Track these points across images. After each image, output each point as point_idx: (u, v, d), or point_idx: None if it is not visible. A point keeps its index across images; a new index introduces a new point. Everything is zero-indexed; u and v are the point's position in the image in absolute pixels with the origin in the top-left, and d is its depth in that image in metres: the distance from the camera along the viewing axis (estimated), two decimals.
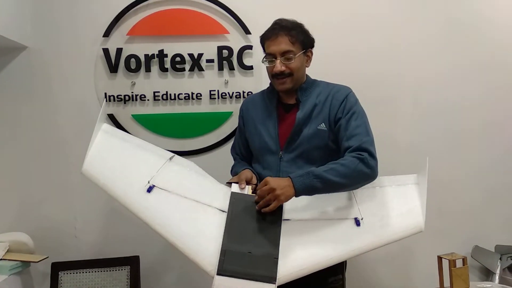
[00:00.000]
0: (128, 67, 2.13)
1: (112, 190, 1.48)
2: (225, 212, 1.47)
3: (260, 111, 1.69)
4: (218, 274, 1.30)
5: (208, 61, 2.15)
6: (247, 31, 2.14)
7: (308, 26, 1.62)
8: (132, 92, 2.14)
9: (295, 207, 1.48)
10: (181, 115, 2.16)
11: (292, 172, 1.47)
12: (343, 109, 1.56)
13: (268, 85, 1.72)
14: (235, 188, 1.55)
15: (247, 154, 1.79)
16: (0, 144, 2.11)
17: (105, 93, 2.13)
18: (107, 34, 2.11)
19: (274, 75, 1.59)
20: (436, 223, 2.08)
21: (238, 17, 2.14)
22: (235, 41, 2.16)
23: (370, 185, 1.52)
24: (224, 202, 1.50)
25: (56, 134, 2.13)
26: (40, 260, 1.92)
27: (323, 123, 1.58)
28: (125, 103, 2.15)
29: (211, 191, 1.57)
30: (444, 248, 1.95)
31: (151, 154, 1.66)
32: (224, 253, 1.34)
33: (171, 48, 2.13)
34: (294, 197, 1.41)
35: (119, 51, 2.12)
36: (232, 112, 2.16)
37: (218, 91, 2.17)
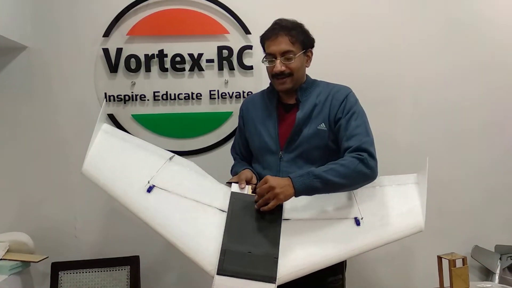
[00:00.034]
0: (128, 67, 2.13)
1: (112, 190, 1.48)
2: (225, 212, 1.47)
3: (260, 111, 1.69)
4: (218, 274, 1.30)
5: (208, 61, 2.15)
6: (247, 31, 2.14)
7: (308, 26, 1.62)
8: (132, 92, 2.14)
9: (295, 207, 1.48)
10: (181, 115, 2.16)
11: (292, 172, 1.47)
12: (343, 109, 1.57)
13: (268, 85, 1.72)
14: (235, 188, 1.55)
15: (247, 154, 1.79)
16: (0, 144, 2.11)
17: (105, 93, 2.13)
18: (107, 34, 2.11)
19: (274, 75, 1.59)
20: (436, 223, 2.08)
21: (238, 17, 2.14)
22: (235, 41, 2.16)
23: (370, 184, 1.52)
24: (224, 202, 1.50)
25: (56, 134, 2.13)
26: (40, 260, 1.92)
27: (323, 123, 1.58)
28: (125, 103, 2.15)
29: (211, 191, 1.57)
30: (444, 248, 1.95)
31: (151, 154, 1.66)
32: (224, 252, 1.34)
33: (171, 48, 2.13)
34: (294, 197, 1.41)
35: (119, 51, 2.12)
36: (232, 112, 2.17)
37: (218, 91, 2.17)
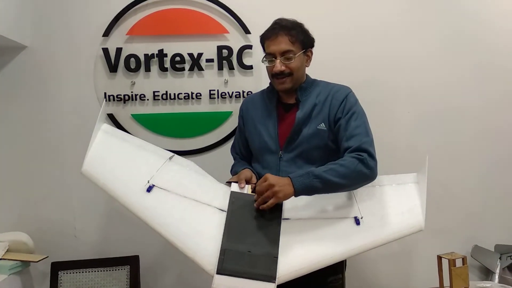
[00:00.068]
0: (127, 67, 2.13)
1: (112, 190, 1.48)
2: (225, 211, 1.47)
3: (260, 111, 1.69)
4: (217, 273, 1.30)
5: (207, 60, 2.15)
6: (246, 31, 2.14)
7: (307, 26, 1.62)
8: (131, 92, 2.14)
9: (295, 206, 1.48)
10: (180, 114, 2.16)
11: (292, 172, 1.47)
12: (342, 109, 1.56)
13: (267, 85, 1.72)
14: (234, 187, 1.55)
15: (247, 153, 1.79)
16: (0, 143, 2.11)
17: (105, 93, 2.13)
18: (106, 33, 2.11)
19: (274, 75, 1.59)
20: (436, 223, 2.07)
21: (237, 16, 2.14)
22: (234, 40, 2.16)
23: (370, 184, 1.52)
24: (223, 201, 1.50)
25: (55, 134, 2.13)
26: (40, 260, 1.92)
27: (322, 123, 1.58)
28: (124, 102, 2.15)
29: (211, 190, 1.57)
30: (444, 247, 1.95)
31: (151, 154, 1.66)
32: (224, 252, 1.34)
33: (171, 47, 2.13)
34: (293, 197, 1.41)
35: (118, 50, 2.12)
36: (231, 111, 2.16)
37: (217, 90, 2.17)
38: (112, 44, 2.12)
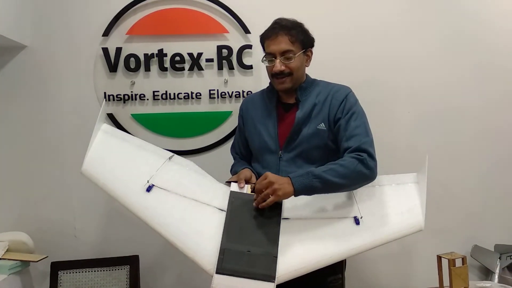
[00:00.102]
0: (127, 67, 2.13)
1: (112, 189, 1.48)
2: (224, 211, 1.47)
3: (260, 111, 1.69)
4: (217, 272, 1.30)
5: (207, 60, 2.15)
6: (246, 31, 2.14)
7: (307, 26, 1.62)
8: (131, 92, 2.14)
9: (295, 206, 1.48)
10: (180, 114, 2.16)
11: (292, 171, 1.47)
12: (342, 109, 1.56)
13: (267, 85, 1.72)
14: (234, 187, 1.55)
15: (246, 153, 1.79)
16: (0, 143, 2.11)
17: (105, 93, 2.13)
18: (106, 33, 2.11)
19: (273, 75, 1.59)
20: (435, 223, 2.06)
21: (237, 16, 2.14)
22: (234, 40, 2.16)
23: (370, 184, 1.52)
24: (223, 201, 1.50)
25: (55, 133, 2.13)
26: (40, 260, 1.92)
27: (322, 123, 1.58)
28: (124, 102, 2.15)
29: (210, 190, 1.57)
30: (444, 247, 1.95)
31: (150, 153, 1.66)
32: (223, 251, 1.34)
33: (171, 47, 2.13)
34: (293, 196, 1.41)
35: (118, 50, 2.12)
36: (231, 111, 2.16)
37: (217, 90, 2.17)
38: (112, 43, 2.12)
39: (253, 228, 1.41)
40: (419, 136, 2.23)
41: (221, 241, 1.37)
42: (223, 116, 2.18)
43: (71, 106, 2.13)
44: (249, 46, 2.15)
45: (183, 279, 2.17)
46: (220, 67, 2.15)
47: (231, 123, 2.16)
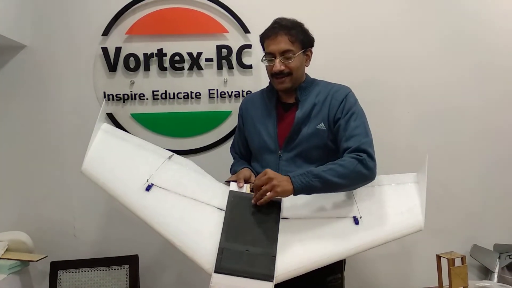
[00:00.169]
0: (127, 66, 2.13)
1: (111, 189, 1.48)
2: (223, 210, 1.47)
3: (260, 110, 1.69)
4: (215, 272, 1.30)
5: (207, 60, 2.15)
6: (246, 30, 2.14)
7: (307, 26, 1.62)
8: (131, 91, 2.14)
9: (294, 205, 1.48)
10: (180, 114, 2.16)
11: (291, 171, 1.47)
12: (342, 109, 1.56)
13: (267, 84, 1.72)
14: (233, 186, 1.55)
15: (246, 153, 1.79)
16: (0, 143, 2.11)
17: (104, 92, 2.13)
18: (106, 33, 2.11)
19: (273, 74, 1.59)
20: (435, 222, 2.06)
21: (237, 16, 2.14)
22: (234, 40, 2.16)
23: (369, 183, 1.52)
24: (222, 200, 1.50)
25: (55, 133, 2.13)
26: (39, 259, 1.92)
27: (322, 123, 1.58)
28: (124, 102, 2.15)
29: (210, 189, 1.57)
30: (443, 246, 1.95)
31: (150, 153, 1.66)
32: (222, 251, 1.34)
33: (170, 47, 2.13)
34: (292, 195, 1.41)
35: (118, 50, 2.12)
36: (231, 111, 2.16)
37: (217, 90, 2.16)
38: (111, 43, 2.12)
39: (252, 227, 1.41)
40: (419, 136, 2.23)
41: (220, 240, 1.36)
42: (223, 116, 2.18)
43: (71, 105, 2.13)
44: (249, 46, 2.15)
45: (183, 278, 2.17)
46: (219, 67, 2.15)
47: (231, 123, 2.16)
